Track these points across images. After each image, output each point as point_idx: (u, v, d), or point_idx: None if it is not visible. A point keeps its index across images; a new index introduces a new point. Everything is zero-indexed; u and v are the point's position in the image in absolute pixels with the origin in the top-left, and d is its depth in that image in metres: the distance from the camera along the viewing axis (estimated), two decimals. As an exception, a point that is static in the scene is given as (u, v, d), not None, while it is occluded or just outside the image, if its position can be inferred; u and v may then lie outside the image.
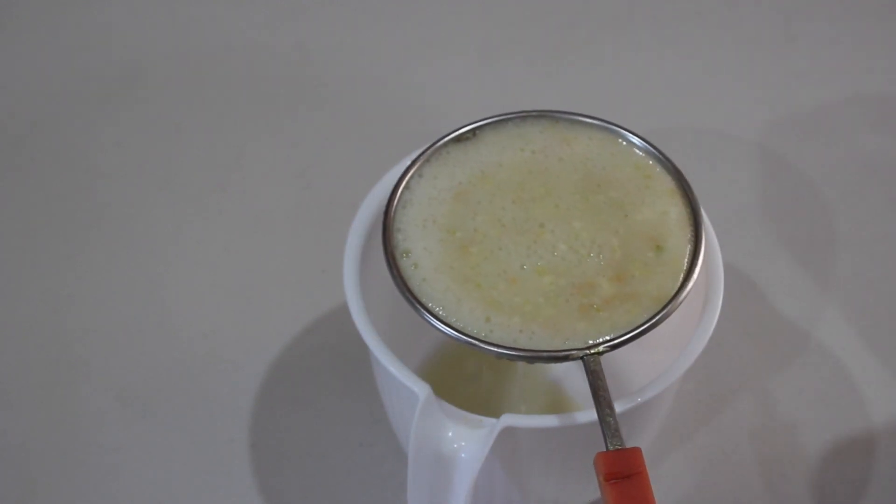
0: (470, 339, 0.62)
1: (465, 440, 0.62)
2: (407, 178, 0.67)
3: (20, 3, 1.01)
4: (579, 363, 0.62)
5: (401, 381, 0.63)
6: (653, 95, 0.95)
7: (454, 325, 0.63)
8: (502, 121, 0.69)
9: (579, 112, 0.70)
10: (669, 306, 0.63)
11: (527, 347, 0.62)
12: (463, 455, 0.62)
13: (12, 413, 0.79)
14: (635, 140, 0.69)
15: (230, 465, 0.76)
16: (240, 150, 0.92)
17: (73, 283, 0.84)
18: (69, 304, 0.83)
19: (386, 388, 0.69)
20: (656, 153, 0.68)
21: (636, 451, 0.58)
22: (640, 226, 0.66)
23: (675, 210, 0.67)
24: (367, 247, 0.69)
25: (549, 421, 0.63)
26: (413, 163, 0.68)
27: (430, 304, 0.63)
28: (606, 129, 0.69)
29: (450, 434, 0.62)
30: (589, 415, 0.63)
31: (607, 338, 0.62)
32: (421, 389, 0.62)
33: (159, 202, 0.89)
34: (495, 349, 0.62)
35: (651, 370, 0.68)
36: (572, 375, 0.78)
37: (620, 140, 0.69)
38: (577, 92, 0.94)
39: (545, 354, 0.62)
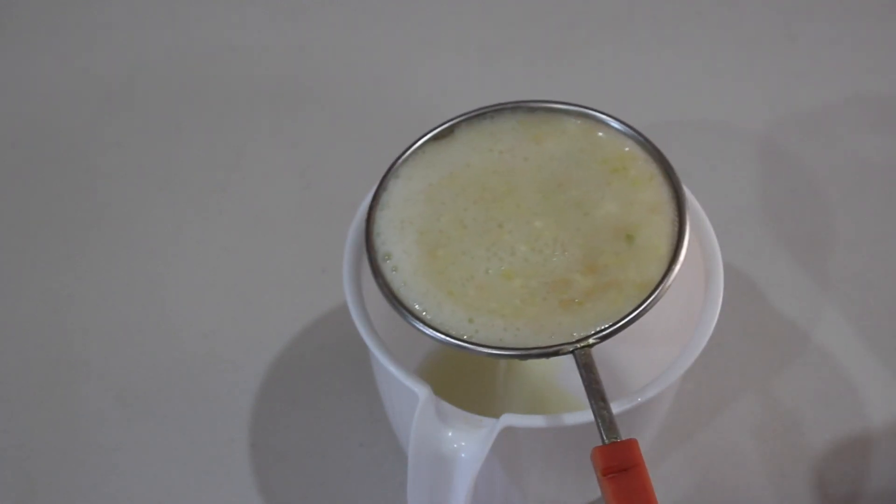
0: (458, 343, 0.62)
1: (465, 440, 0.62)
2: (385, 180, 0.67)
3: (20, 4, 1.01)
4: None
5: (401, 381, 0.63)
6: (653, 96, 0.95)
7: (440, 328, 0.63)
8: (478, 116, 0.69)
9: (555, 100, 0.69)
10: (656, 292, 0.63)
11: (513, 346, 0.62)
12: (463, 455, 0.62)
13: (12, 413, 0.79)
14: (615, 124, 0.68)
15: (230, 465, 0.76)
16: (240, 150, 0.92)
17: (73, 283, 0.84)
18: (69, 304, 0.83)
19: (386, 388, 0.69)
20: (637, 136, 0.67)
21: (632, 443, 0.58)
22: (603, 220, 0.65)
23: (652, 196, 0.66)
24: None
25: (549, 421, 0.63)
26: (392, 164, 0.68)
27: (415, 307, 0.64)
28: (584, 114, 0.68)
29: (450, 434, 0.62)
30: (589, 414, 0.63)
31: (596, 329, 0.62)
32: (421, 389, 0.62)
33: (159, 202, 0.89)
34: (484, 350, 0.62)
35: (650, 370, 0.68)
36: (574, 374, 0.78)
37: (597, 131, 0.68)
38: (577, 92, 0.94)
39: (535, 351, 0.62)
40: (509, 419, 0.62)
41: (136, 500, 0.75)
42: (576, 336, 0.62)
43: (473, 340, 0.62)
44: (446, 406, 0.63)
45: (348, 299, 0.66)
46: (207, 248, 0.87)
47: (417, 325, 0.63)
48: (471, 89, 0.95)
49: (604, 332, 0.62)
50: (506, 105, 0.69)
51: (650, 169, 0.67)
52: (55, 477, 0.76)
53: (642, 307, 0.62)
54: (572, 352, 0.61)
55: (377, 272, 0.64)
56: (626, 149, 0.68)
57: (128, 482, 0.76)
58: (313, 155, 0.91)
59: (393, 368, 0.64)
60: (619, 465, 0.57)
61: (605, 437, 0.59)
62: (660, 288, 0.63)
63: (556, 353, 0.62)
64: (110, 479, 0.76)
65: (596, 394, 0.60)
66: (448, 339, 0.62)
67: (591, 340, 0.61)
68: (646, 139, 0.67)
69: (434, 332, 0.62)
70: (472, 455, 0.62)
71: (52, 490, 0.76)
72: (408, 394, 0.63)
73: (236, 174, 0.90)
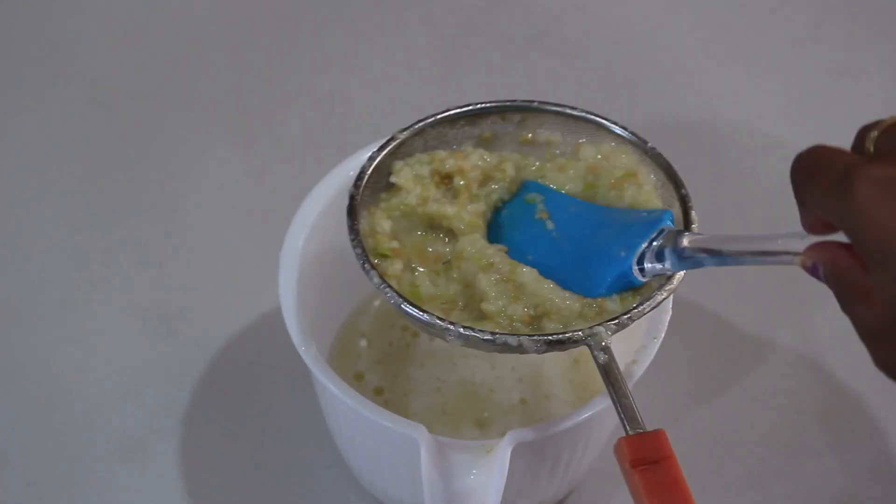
0: (486, 339, 0.59)
1: (476, 468, 0.60)
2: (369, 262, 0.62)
3: None
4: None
5: (397, 430, 0.61)
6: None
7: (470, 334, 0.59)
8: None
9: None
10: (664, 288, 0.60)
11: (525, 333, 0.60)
12: (479, 484, 0.60)
13: (34, 327, 0.80)
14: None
15: (247, 386, 0.78)
16: (265, 75, 0.92)
17: (95, 201, 0.85)
18: (90, 222, 0.85)
19: (373, 446, 0.66)
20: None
21: (660, 434, 0.56)
22: None
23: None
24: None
25: (555, 426, 0.62)
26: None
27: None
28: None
29: (459, 469, 0.60)
30: (588, 410, 0.62)
31: (609, 318, 0.59)
32: (419, 433, 0.60)
33: (183, 123, 0.89)
34: (510, 338, 0.58)
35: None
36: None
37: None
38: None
39: (552, 338, 0.58)
40: (517, 435, 0.60)
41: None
42: (587, 325, 0.59)
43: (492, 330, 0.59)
44: (443, 441, 0.61)
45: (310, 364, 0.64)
46: (229, 171, 0.87)
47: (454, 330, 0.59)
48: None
49: (615, 320, 0.59)
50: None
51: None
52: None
53: (648, 301, 0.60)
54: (586, 340, 0.59)
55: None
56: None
57: (146, 399, 0.77)
58: (338, 81, 0.91)
59: (388, 422, 0.61)
60: (649, 456, 0.55)
61: (628, 428, 0.56)
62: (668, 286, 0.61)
63: (571, 341, 0.59)
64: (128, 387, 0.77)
65: (615, 384, 0.58)
66: (475, 334, 0.59)
67: (600, 328, 0.59)
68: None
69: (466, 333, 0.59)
70: (487, 482, 0.60)
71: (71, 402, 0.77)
72: (407, 442, 0.60)
73: (260, 98, 0.91)
